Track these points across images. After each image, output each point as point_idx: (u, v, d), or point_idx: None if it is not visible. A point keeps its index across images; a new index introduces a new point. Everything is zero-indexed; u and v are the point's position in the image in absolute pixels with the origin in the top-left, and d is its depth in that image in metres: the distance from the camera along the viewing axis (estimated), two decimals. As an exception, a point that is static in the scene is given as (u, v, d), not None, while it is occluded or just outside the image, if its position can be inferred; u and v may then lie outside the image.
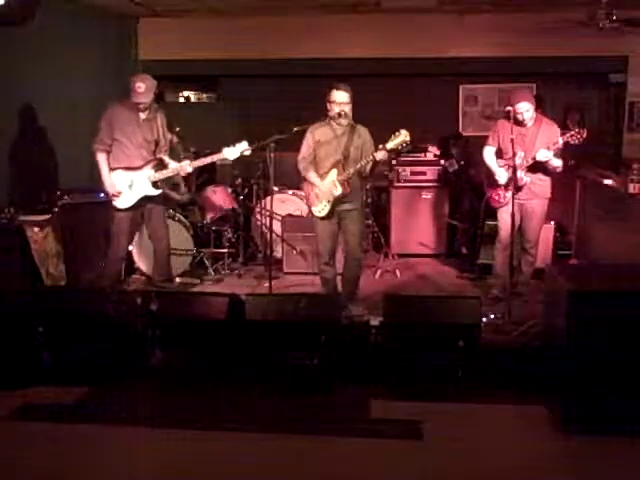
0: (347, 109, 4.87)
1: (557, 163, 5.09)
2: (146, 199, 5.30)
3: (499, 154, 5.37)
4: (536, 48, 7.22)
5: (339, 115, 4.85)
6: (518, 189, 5.10)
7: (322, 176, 4.95)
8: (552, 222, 6.26)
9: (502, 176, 5.25)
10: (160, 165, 5.32)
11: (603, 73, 7.78)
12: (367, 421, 3.74)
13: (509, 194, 5.14)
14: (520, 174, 5.09)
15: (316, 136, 4.97)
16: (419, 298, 4.79)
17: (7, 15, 5.18)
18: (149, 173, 5.22)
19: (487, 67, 7.51)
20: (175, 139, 6.11)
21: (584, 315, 3.45)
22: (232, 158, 5.14)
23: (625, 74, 7.47)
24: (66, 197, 5.64)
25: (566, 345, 3.53)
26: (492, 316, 4.82)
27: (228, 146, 5.09)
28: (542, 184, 5.23)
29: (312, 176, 5.00)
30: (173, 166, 5.33)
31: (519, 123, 5.13)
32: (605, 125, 8.06)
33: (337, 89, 4.86)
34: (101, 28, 7.05)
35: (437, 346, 4.02)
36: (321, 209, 4.97)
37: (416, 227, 7.12)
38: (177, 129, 6.27)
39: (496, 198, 5.39)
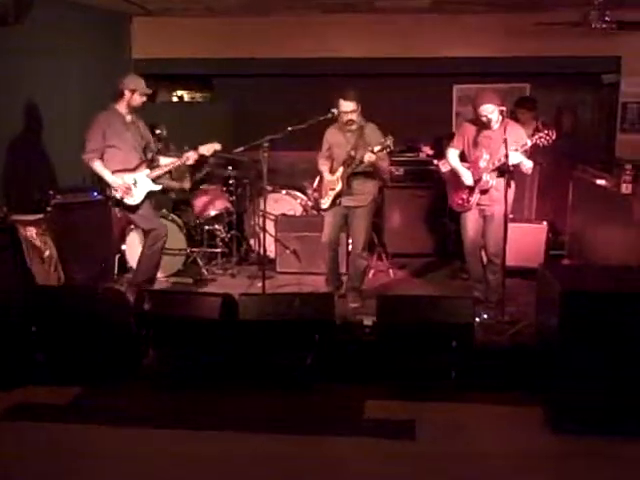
0: (354, 117, 5.08)
1: (528, 165, 4.90)
2: (149, 195, 5.35)
3: (463, 157, 5.22)
4: (529, 48, 7.22)
5: (347, 123, 5.12)
6: (482, 192, 5.04)
7: (334, 173, 5.30)
8: (545, 222, 6.28)
9: (469, 178, 5.09)
10: (153, 164, 5.38)
11: (596, 74, 7.79)
12: (360, 421, 3.74)
13: (473, 198, 5.08)
14: (486, 177, 4.98)
15: (329, 138, 5.35)
16: (412, 298, 4.80)
17: (2, 15, 5.16)
18: (146, 172, 5.28)
19: (481, 67, 7.50)
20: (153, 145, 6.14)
21: (577, 315, 3.47)
22: (208, 154, 5.42)
23: (618, 75, 7.49)
24: (59, 196, 5.63)
25: (559, 345, 3.55)
26: (485, 316, 4.83)
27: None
28: (503, 188, 4.93)
29: (323, 169, 5.43)
30: (166, 161, 5.44)
31: (484, 125, 5.00)
32: (598, 126, 8.08)
33: (344, 99, 5.05)
34: (94, 27, 7.01)
35: (431, 346, 4.03)
36: (325, 201, 5.37)
37: (409, 227, 7.10)
38: (157, 131, 6.29)
39: (459, 202, 5.23)
